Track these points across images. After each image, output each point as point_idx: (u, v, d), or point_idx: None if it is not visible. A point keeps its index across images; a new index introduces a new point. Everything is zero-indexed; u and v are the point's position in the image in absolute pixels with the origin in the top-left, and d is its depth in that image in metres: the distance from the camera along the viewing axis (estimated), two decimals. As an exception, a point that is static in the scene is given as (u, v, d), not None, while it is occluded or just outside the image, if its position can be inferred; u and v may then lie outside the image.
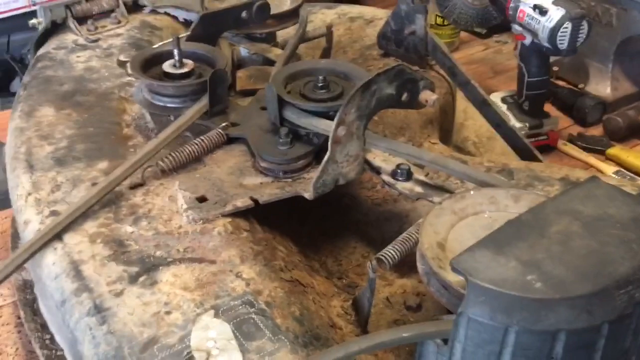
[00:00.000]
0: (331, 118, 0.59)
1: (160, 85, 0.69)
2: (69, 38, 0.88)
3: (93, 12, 0.91)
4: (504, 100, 1.06)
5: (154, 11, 0.96)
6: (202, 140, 0.65)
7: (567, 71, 1.17)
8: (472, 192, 0.53)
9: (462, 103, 0.95)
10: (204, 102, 0.67)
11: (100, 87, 0.77)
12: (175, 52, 0.70)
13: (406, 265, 0.57)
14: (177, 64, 0.70)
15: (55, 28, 0.90)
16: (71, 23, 0.88)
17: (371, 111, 0.59)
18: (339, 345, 0.44)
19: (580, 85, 1.13)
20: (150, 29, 0.92)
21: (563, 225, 0.45)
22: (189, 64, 0.71)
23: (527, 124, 1.01)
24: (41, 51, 0.85)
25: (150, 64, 0.71)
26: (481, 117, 0.88)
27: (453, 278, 0.45)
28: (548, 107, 1.09)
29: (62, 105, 0.74)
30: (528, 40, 0.99)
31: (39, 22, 0.88)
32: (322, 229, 0.70)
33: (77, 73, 0.80)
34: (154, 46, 0.81)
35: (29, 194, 0.61)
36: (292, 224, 0.67)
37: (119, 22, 0.91)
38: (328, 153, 0.58)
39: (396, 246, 0.53)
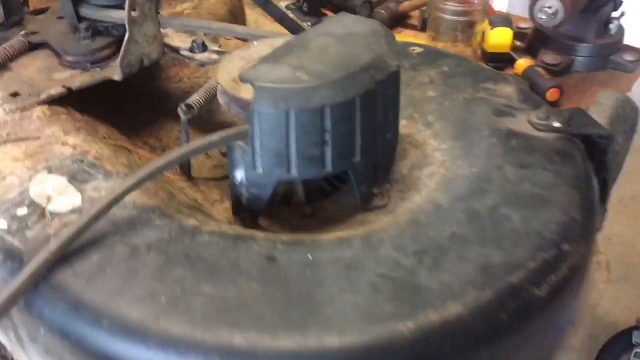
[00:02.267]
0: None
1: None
2: None
3: None
4: (287, 7, 1.20)
5: None
6: (4, 48, 0.69)
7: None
8: (255, 43, 0.64)
9: (252, 15, 1.07)
10: (-1, 14, 0.71)
11: None
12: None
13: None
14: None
15: None
16: None
17: (158, -6, 0.67)
18: (155, 160, 0.53)
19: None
20: None
21: (321, 42, 0.57)
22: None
23: (309, 23, 1.15)
24: None
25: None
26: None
27: (245, 95, 0.56)
28: (327, 10, 1.25)
29: None
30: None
31: None
32: (139, 120, 0.77)
33: None
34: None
35: None
36: (108, 116, 0.73)
37: None
38: (127, 34, 0.65)
39: (200, 94, 0.63)
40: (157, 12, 0.67)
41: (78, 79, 0.67)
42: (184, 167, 0.65)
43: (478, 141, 0.63)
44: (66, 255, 0.47)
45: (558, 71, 1.05)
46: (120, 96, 0.74)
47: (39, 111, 0.63)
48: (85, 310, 0.45)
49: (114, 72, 0.67)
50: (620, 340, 1.89)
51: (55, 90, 0.65)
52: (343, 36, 0.58)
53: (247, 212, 0.59)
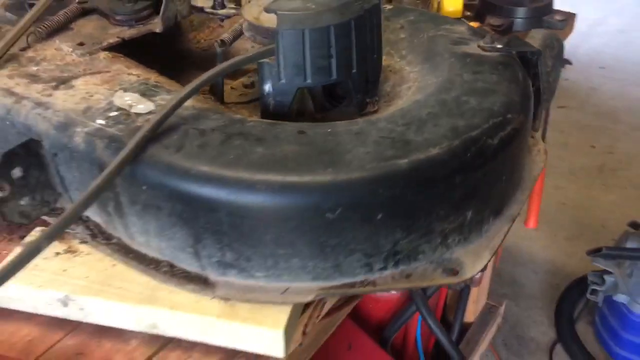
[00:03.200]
0: (161, -25, 0.85)
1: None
2: None
3: None
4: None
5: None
6: (65, 12, 0.87)
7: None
8: (265, -5, 0.83)
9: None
10: (57, -13, 0.88)
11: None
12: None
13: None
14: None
15: None
16: None
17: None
18: (208, 72, 0.71)
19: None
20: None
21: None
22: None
23: None
24: None
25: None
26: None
27: (268, 24, 0.74)
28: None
29: None
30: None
31: None
32: (167, 71, 0.95)
33: None
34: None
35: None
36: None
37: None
38: (166, -6, 0.84)
39: (229, 33, 0.81)
40: (187, -22, 0.86)
41: (127, 33, 0.85)
42: (218, 93, 0.83)
43: (441, 62, 0.83)
44: (154, 136, 0.65)
45: (502, 31, 1.27)
46: (152, 54, 0.92)
47: (103, 55, 0.81)
48: (175, 169, 0.63)
49: (156, 26, 0.86)
50: (577, 286, 2.13)
51: (113, 39, 0.83)
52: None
53: (273, 118, 0.77)
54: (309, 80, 0.73)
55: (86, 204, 0.60)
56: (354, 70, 0.75)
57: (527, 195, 0.78)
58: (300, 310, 0.68)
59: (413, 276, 0.67)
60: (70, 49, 0.81)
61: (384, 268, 0.67)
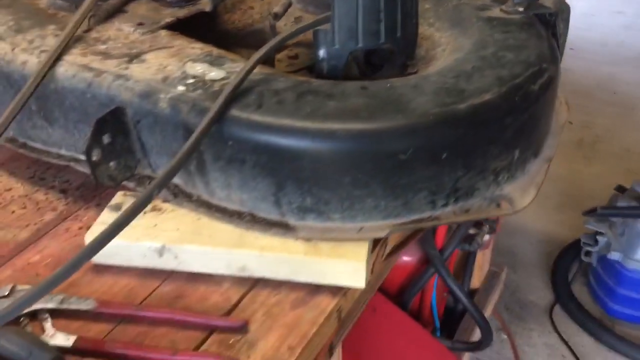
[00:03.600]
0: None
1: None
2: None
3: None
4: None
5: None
6: (119, -4, 0.93)
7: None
8: (308, -28, 0.91)
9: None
10: (108, -26, 0.94)
11: (5, -3, 0.99)
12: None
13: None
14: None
15: None
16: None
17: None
18: (270, 41, 0.78)
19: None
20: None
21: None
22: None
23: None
24: None
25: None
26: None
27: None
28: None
29: (-13, 9, 0.94)
30: None
31: None
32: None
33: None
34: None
35: (13, 48, 0.84)
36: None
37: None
38: (214, -23, 0.91)
39: (278, 7, 0.89)
40: (230, -39, 0.93)
41: (181, 12, 0.91)
42: (269, 64, 0.90)
43: (469, 26, 0.92)
44: (234, 97, 0.72)
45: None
46: (195, 34, 0.98)
47: (163, 33, 0.87)
48: (259, 124, 0.70)
49: (205, 5, 0.92)
50: (570, 250, 2.24)
51: (169, 19, 0.89)
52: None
53: (327, 81, 0.84)
54: (360, 44, 0.81)
55: (186, 156, 0.67)
56: (398, 34, 0.83)
57: (558, 140, 0.87)
58: (371, 249, 0.75)
59: (471, 210, 0.75)
60: (132, 29, 0.87)
61: (446, 205, 0.75)
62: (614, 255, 1.92)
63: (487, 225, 1.57)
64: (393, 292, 1.57)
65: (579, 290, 2.13)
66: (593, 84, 3.52)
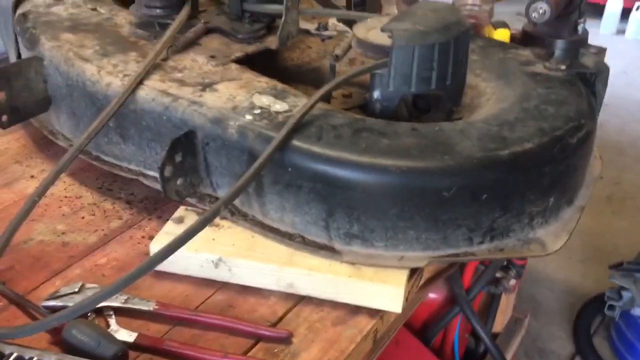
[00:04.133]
0: (278, 2, 1.00)
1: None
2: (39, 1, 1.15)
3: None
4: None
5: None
6: (194, 30, 1.02)
7: None
8: (368, 20, 0.99)
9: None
10: (186, 9, 1.03)
11: (91, 21, 1.08)
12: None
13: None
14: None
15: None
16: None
17: (298, -7, 1.02)
18: (330, 82, 0.86)
19: None
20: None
21: (421, 12, 0.92)
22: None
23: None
24: (22, 10, 1.12)
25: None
26: None
27: (379, 42, 0.89)
28: None
29: (75, 32, 1.04)
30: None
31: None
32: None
33: (66, 17, 1.09)
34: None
35: (99, 71, 0.93)
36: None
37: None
38: (284, 17, 0.99)
39: (339, 49, 0.96)
40: (298, 4, 1.02)
41: (249, 48, 1.00)
42: (327, 100, 0.97)
43: (514, 79, 0.99)
44: (297, 128, 0.80)
45: (542, 61, 1.43)
46: (258, 69, 1.07)
47: (233, 66, 0.96)
48: (318, 154, 0.77)
49: (272, 43, 1.01)
50: (593, 303, 2.26)
51: (239, 53, 0.98)
52: (433, 9, 0.93)
53: (378, 120, 0.92)
54: (413, 89, 0.88)
55: (252, 178, 0.74)
56: (448, 82, 0.90)
57: (590, 191, 0.93)
58: (407, 278, 0.82)
59: (505, 250, 0.81)
60: (205, 61, 0.96)
61: (482, 242, 0.81)
62: (638, 312, 1.93)
63: (514, 270, 1.61)
64: (417, 327, 1.62)
65: (600, 344, 2.14)
66: (625, 141, 3.55)
